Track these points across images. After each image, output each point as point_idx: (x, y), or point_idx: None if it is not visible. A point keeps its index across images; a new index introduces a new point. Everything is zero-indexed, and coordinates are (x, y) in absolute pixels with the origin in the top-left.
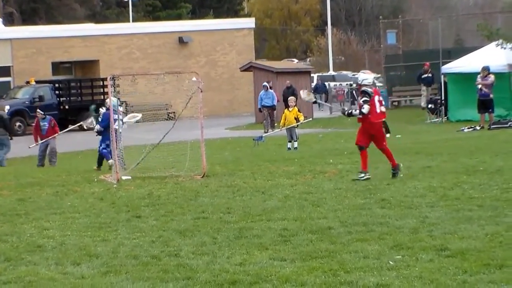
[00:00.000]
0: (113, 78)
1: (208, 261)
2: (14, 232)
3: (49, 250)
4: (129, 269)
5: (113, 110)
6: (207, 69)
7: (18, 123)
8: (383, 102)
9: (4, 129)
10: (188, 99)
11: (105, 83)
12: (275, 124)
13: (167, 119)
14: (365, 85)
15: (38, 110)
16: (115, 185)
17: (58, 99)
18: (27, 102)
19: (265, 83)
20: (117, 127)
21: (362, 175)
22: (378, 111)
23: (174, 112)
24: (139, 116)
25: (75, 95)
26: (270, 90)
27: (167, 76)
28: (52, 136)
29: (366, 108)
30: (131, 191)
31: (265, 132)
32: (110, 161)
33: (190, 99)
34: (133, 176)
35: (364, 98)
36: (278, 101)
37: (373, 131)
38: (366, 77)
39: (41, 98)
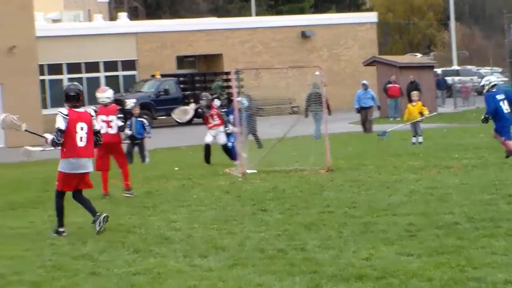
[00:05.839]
0: (237, 72)
1: (334, 255)
2: (142, 224)
3: (176, 242)
4: (256, 262)
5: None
6: (330, 63)
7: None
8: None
9: (319, 104)
10: (307, 95)
11: (229, 77)
12: (399, 118)
13: (291, 113)
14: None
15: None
16: (240, 179)
17: (182, 92)
18: (152, 96)
19: (364, 82)
20: None
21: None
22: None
23: (298, 106)
24: (191, 111)
25: (200, 88)
26: (370, 90)
27: (290, 70)
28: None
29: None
30: (256, 184)
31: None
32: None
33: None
34: (258, 169)
35: None
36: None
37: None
38: (99, 95)
39: (166, 91)
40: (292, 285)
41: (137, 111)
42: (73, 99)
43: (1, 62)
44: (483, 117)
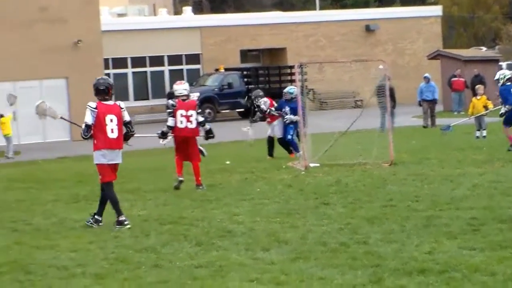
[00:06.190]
0: (301, 65)
1: (396, 249)
2: (205, 217)
3: (239, 236)
4: (318, 256)
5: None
6: (394, 57)
7: (207, 110)
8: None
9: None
10: (375, 87)
11: (293, 70)
12: (464, 113)
13: (354, 107)
14: (177, 97)
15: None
16: (303, 172)
17: (246, 86)
18: (216, 90)
19: (426, 75)
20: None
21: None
22: (180, 125)
23: (361, 100)
24: (250, 131)
25: (263, 82)
26: (432, 83)
27: (354, 64)
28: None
29: (170, 121)
30: (319, 178)
31: (424, 127)
32: (299, 153)
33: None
34: (321, 163)
35: (168, 111)
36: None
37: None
38: (176, 88)
39: (230, 85)
40: (354, 278)
41: None
42: (103, 92)
43: (67, 56)
44: (503, 110)
